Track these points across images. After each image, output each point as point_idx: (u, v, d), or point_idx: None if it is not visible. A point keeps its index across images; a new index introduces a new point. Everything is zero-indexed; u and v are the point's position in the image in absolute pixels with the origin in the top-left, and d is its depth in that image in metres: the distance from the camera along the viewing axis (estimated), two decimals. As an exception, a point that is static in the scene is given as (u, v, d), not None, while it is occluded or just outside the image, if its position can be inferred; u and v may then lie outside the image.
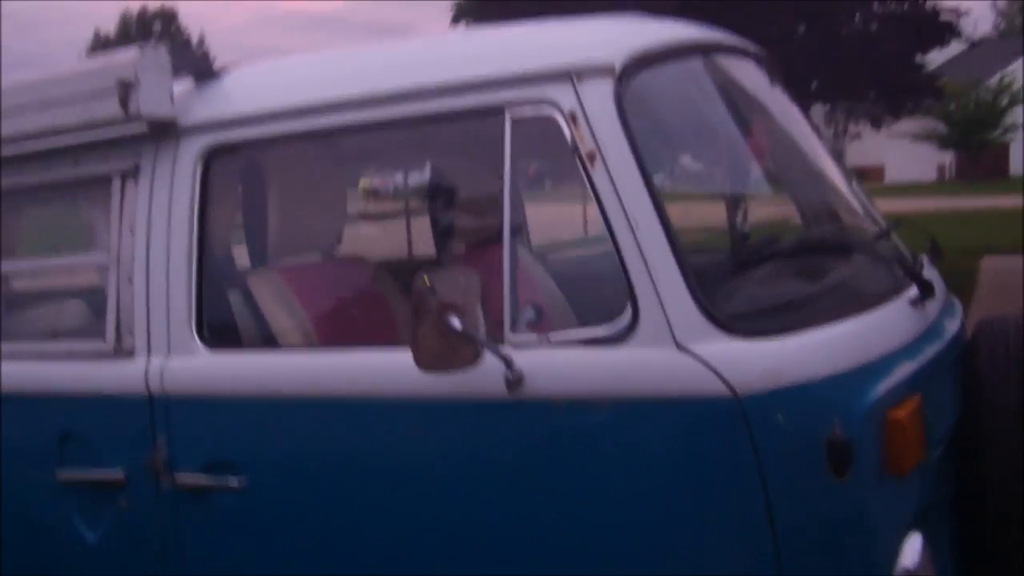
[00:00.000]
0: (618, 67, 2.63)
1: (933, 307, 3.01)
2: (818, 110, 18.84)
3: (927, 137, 34.34)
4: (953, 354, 3.02)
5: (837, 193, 3.54)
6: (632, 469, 2.51)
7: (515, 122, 2.67)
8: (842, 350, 2.53)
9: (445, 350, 2.48)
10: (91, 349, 3.23)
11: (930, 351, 2.83)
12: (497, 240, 4.21)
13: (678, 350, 2.46)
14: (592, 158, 2.57)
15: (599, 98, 2.60)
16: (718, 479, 2.45)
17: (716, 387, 2.42)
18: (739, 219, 3.70)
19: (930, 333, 2.91)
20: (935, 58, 17.82)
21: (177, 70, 3.15)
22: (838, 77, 14.75)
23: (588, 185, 2.57)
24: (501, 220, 2.67)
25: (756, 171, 3.41)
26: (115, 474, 3.16)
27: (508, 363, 2.53)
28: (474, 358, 2.52)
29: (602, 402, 2.51)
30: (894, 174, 47.60)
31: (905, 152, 44.36)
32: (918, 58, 15.72)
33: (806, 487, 2.43)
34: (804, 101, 16.79)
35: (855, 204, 3.52)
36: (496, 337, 2.60)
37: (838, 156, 3.74)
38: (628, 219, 2.52)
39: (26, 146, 3.36)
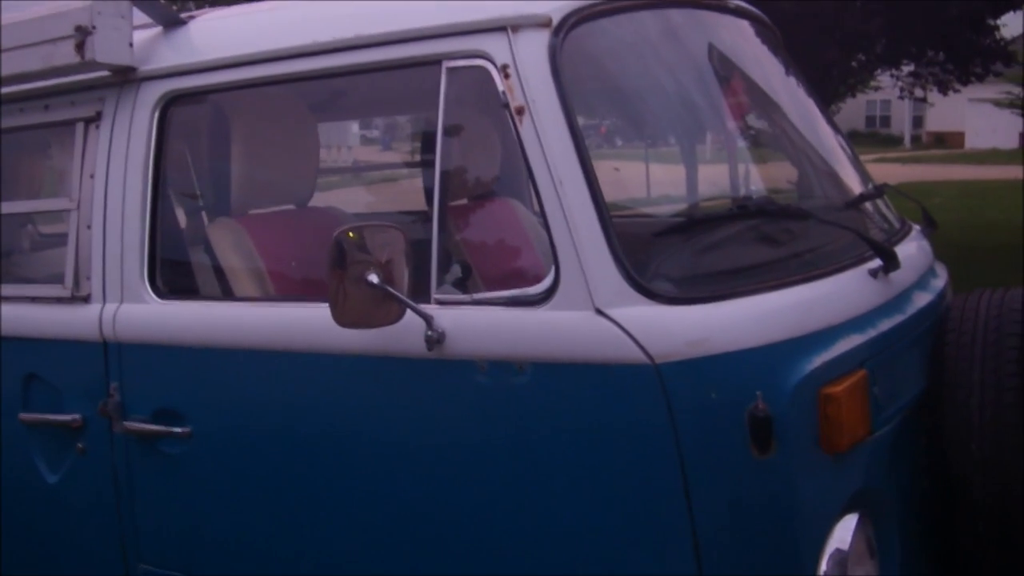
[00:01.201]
0: (556, 19, 2.55)
1: (903, 278, 2.91)
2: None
3: (1010, 104, 33.47)
4: (921, 328, 2.92)
5: (820, 160, 3.44)
6: (548, 435, 2.46)
7: (450, 73, 2.61)
8: (775, 320, 2.45)
9: (365, 306, 2.45)
10: (52, 294, 3.25)
11: (885, 324, 2.73)
12: (490, 195, 4.21)
13: (596, 313, 2.39)
14: (521, 112, 2.51)
15: (532, 51, 2.53)
16: (633, 450, 2.38)
17: (633, 353, 2.35)
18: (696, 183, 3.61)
19: (890, 306, 2.81)
20: (1014, 23, 17.34)
21: (144, 18, 3.13)
22: (903, 39, 14.39)
23: (516, 140, 2.51)
24: (434, 172, 2.62)
25: (723, 131, 3.31)
26: (73, 418, 3.18)
27: (429, 321, 2.49)
28: (396, 315, 2.49)
29: (522, 364, 2.46)
30: (974, 140, 46.62)
31: (987, 119, 43.34)
32: (990, 21, 15.25)
33: (726, 463, 2.35)
34: (871, 65, 16.50)
35: (842, 171, 3.42)
36: (424, 295, 2.56)
37: (834, 124, 3.64)
38: (552, 177, 2.46)
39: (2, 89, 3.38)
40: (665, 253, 2.58)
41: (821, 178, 3.43)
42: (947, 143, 47.56)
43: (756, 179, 3.42)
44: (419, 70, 2.71)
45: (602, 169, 2.50)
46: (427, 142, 4.03)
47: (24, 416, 3.31)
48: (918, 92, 18.09)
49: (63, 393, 3.23)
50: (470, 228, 3.61)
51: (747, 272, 2.60)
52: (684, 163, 3.49)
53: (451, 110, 2.62)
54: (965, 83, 16.37)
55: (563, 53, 2.53)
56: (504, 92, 2.53)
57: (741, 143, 3.42)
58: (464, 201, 4.12)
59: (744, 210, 2.83)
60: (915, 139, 51.40)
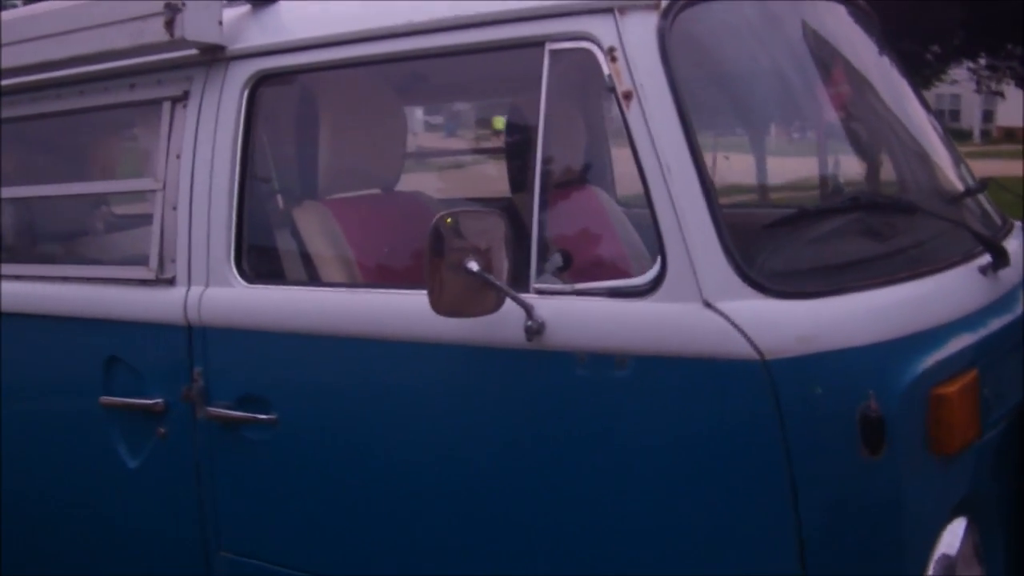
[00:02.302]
0: (664, 1, 2.46)
1: (1010, 276, 2.80)
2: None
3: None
4: None
5: (921, 151, 3.33)
6: (650, 429, 2.38)
7: (554, 56, 2.53)
8: (888, 317, 2.36)
9: (464, 294, 2.38)
10: (136, 275, 3.21)
11: (995, 323, 2.63)
12: (579, 182, 4.14)
13: (704, 306, 2.31)
14: (628, 97, 2.42)
15: (640, 34, 2.44)
16: (740, 447, 2.30)
17: (742, 348, 2.26)
18: (824, 176, 3.51)
19: (999, 305, 2.70)
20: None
21: None
22: (982, 31, 14.14)
23: (624, 126, 2.43)
24: (534, 159, 2.55)
25: (826, 121, 3.21)
26: (155, 402, 3.15)
27: (528, 311, 2.42)
28: (494, 304, 2.42)
29: (624, 357, 2.38)
30: (1047, 136, 45.84)
31: (1058, 114, 42.63)
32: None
33: (835, 462, 2.27)
34: (947, 56, 16.25)
35: (943, 163, 3.31)
36: (522, 284, 2.49)
37: (934, 114, 3.52)
38: (661, 165, 2.37)
39: (84, 69, 3.34)
40: (774, 246, 2.48)
41: (924, 172, 3.32)
42: (1018, 138, 46.78)
43: (858, 171, 3.31)
44: (520, 52, 2.64)
45: (711, 158, 2.41)
46: (519, 127, 3.97)
47: (105, 399, 3.27)
48: (994, 86, 17.82)
49: (145, 377, 3.19)
50: (557, 216, 3.54)
51: (856, 267, 2.50)
52: (789, 153, 3.39)
53: (553, 94, 2.53)
54: (1044, 77, 16.11)
55: (672, 36, 2.44)
56: (610, 76, 2.45)
57: (843, 133, 3.31)
58: (550, 188, 4.06)
59: (853, 203, 2.73)
60: (984, 133, 50.66)
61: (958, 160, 3.37)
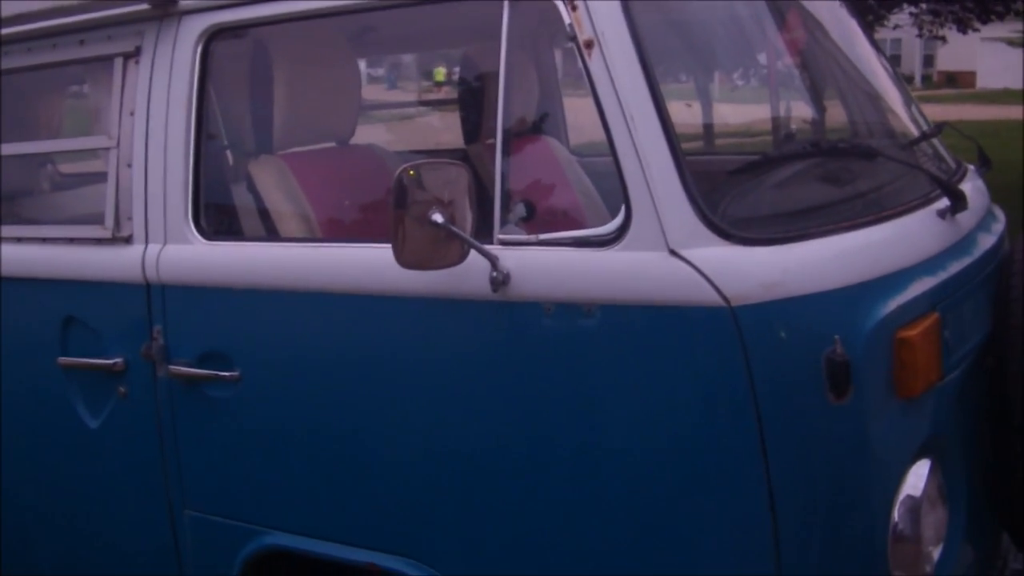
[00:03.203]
0: None
1: (967, 220, 2.83)
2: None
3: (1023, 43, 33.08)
4: (985, 271, 2.85)
5: (876, 97, 3.36)
6: (618, 377, 2.39)
7: (513, 6, 2.51)
8: (851, 262, 2.38)
9: (428, 246, 2.37)
10: (92, 234, 3.17)
11: (955, 267, 2.66)
12: (531, 132, 4.12)
13: (670, 255, 2.31)
14: (590, 46, 2.41)
15: None
16: (707, 393, 2.32)
17: (708, 295, 2.27)
18: (779, 122, 3.52)
19: (958, 247, 2.74)
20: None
21: None
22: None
23: (585, 75, 2.42)
24: (495, 111, 2.53)
25: (783, 67, 3.22)
26: (115, 361, 3.12)
27: (494, 262, 2.42)
28: (459, 256, 2.41)
29: (590, 306, 2.39)
30: (987, 80, 46.24)
31: (999, 58, 42.93)
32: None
33: (802, 407, 2.29)
34: (888, 1, 16.29)
35: (898, 109, 3.33)
36: (486, 235, 2.48)
37: (888, 61, 3.54)
38: (624, 114, 2.36)
39: (30, 26, 3.28)
40: (737, 192, 2.49)
41: (880, 116, 3.34)
42: (958, 83, 47.22)
43: (815, 117, 3.33)
44: (478, 3, 2.62)
45: (672, 107, 2.41)
46: (473, 77, 3.95)
47: (63, 360, 3.24)
48: (936, 31, 17.92)
49: (103, 336, 3.16)
50: (514, 167, 3.54)
51: (818, 212, 2.53)
52: (747, 99, 3.40)
53: (512, 44, 2.52)
54: (985, 21, 16.18)
55: None
56: (571, 25, 2.43)
57: (800, 79, 3.33)
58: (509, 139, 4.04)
59: (814, 148, 2.74)
60: (925, 78, 51.04)
61: (912, 104, 3.40)
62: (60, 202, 4.45)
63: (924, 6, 16.81)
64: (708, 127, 4.06)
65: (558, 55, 4.60)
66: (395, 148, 4.33)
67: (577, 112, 4.72)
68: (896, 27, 19.47)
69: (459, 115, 4.21)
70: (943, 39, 19.37)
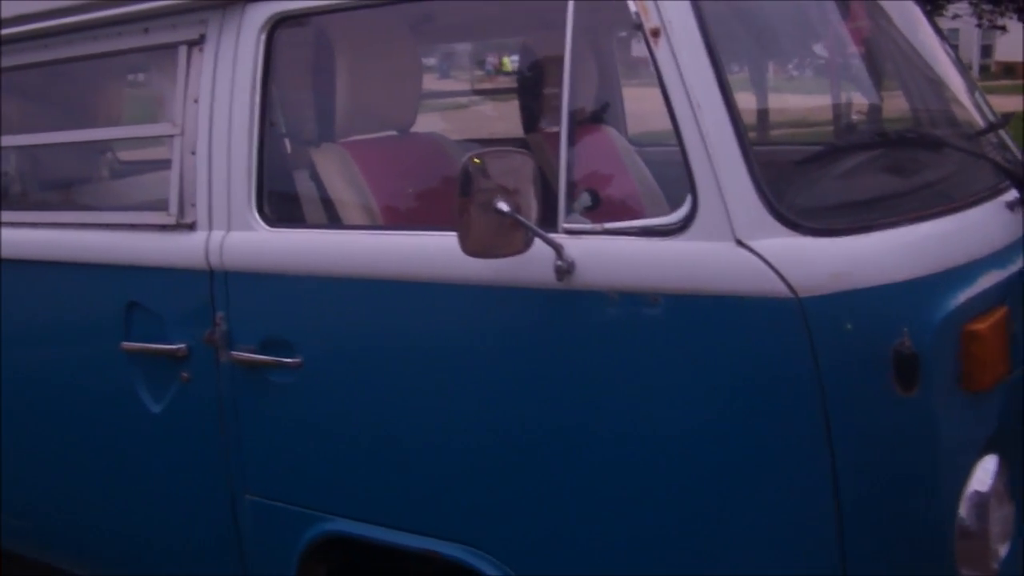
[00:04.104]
0: None
1: None
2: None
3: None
4: None
5: (941, 86, 3.32)
6: (683, 366, 2.38)
7: None
8: (921, 253, 2.35)
9: (493, 234, 2.37)
10: (156, 220, 3.20)
11: (1022, 260, 2.62)
12: (591, 122, 4.11)
13: (737, 244, 2.30)
14: (656, 35, 2.39)
15: None
16: (773, 384, 2.31)
17: (775, 286, 2.25)
18: (839, 112, 3.49)
19: None
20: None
21: None
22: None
23: (651, 64, 2.41)
24: (561, 100, 2.52)
25: (853, 60, 3.19)
26: (178, 346, 3.14)
27: (558, 250, 2.41)
28: (523, 244, 2.41)
29: (655, 296, 2.37)
30: (1046, 71, 45.57)
31: (1058, 48, 42.34)
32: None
33: (869, 399, 2.27)
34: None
35: (963, 99, 3.29)
36: (550, 223, 2.48)
37: (953, 50, 3.49)
38: (691, 103, 2.34)
39: (101, 13, 3.31)
40: (804, 182, 2.48)
41: (947, 107, 3.30)
42: (1017, 73, 46.54)
43: (882, 106, 3.29)
44: None
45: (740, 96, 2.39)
46: (534, 66, 3.94)
47: (126, 345, 3.27)
48: (997, 20, 17.71)
49: (166, 322, 3.19)
50: (575, 156, 3.55)
51: (886, 203, 2.50)
52: (811, 89, 3.37)
53: (577, 33, 2.51)
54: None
55: None
56: (637, 13, 2.42)
57: (864, 68, 3.29)
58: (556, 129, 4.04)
59: (882, 138, 2.71)
60: (983, 69, 50.37)
61: (977, 94, 3.35)
62: (120, 189, 4.50)
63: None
64: (765, 115, 4.03)
65: (618, 42, 4.59)
66: (451, 136, 4.35)
67: (636, 101, 4.71)
68: (955, 16, 19.27)
69: (518, 104, 4.20)
70: (1003, 28, 19.14)
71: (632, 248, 2.42)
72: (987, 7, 17.14)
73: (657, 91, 2.42)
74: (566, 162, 2.49)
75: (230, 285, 3.02)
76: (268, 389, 2.98)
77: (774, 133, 4.02)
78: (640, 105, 4.74)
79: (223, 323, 3.02)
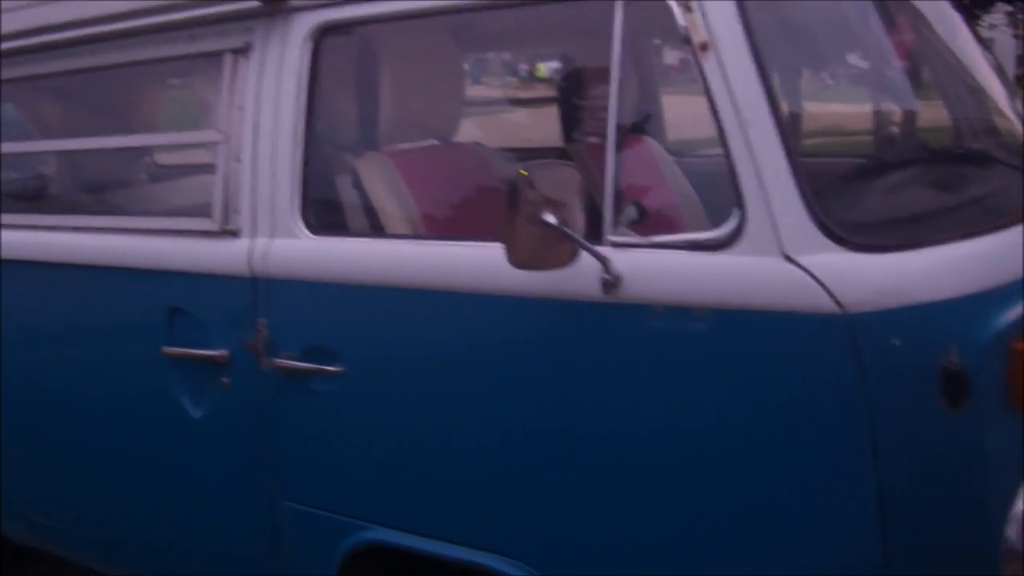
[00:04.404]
0: None
1: None
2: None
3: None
4: None
5: (990, 102, 3.29)
6: (729, 381, 2.37)
7: (627, 6, 2.50)
8: (968, 271, 2.34)
9: (539, 247, 2.37)
10: (199, 227, 3.21)
11: None
12: (632, 132, 4.10)
13: (784, 260, 2.29)
14: (705, 48, 2.39)
15: None
16: (819, 400, 2.29)
17: (823, 302, 2.24)
18: (881, 125, 3.47)
19: None
20: None
21: None
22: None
23: (700, 77, 2.40)
24: (608, 111, 2.52)
25: (900, 73, 3.17)
26: (219, 352, 3.16)
27: (605, 264, 2.41)
28: (570, 256, 2.41)
29: (702, 310, 2.37)
30: (1081, 81, 45.25)
31: (1095, 59, 42.00)
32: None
33: (916, 417, 2.25)
34: (983, 1, 16.00)
35: (1011, 115, 3.27)
36: (595, 236, 2.48)
37: (998, 65, 3.47)
38: (739, 117, 2.34)
39: (147, 20, 3.32)
40: (853, 197, 2.47)
41: (991, 121, 3.28)
42: (1052, 84, 46.31)
43: (927, 120, 3.28)
44: (592, 3, 2.61)
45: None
46: (575, 75, 3.93)
47: (168, 349, 3.28)
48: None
49: (209, 328, 3.20)
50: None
51: (933, 218, 2.50)
52: (857, 100, 3.35)
53: (627, 44, 2.51)
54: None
55: None
56: (685, 27, 2.42)
57: (909, 81, 3.28)
58: (597, 139, 4.03)
59: (930, 153, 2.70)
60: (1019, 79, 50.03)
61: (1021, 106, 3.33)
62: (158, 193, 4.52)
63: (1021, 4, 16.49)
64: (800, 123, 4.02)
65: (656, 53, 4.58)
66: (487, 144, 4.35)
67: (675, 111, 4.70)
68: (992, 27, 19.13)
69: (558, 113, 4.19)
70: (1041, 39, 19.01)
71: (679, 262, 2.42)
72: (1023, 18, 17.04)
73: (690, 99, 2.41)
74: (612, 174, 2.48)
75: (273, 292, 3.03)
76: (309, 396, 2.99)
77: (811, 143, 4.00)
78: (676, 114, 4.73)
79: (265, 330, 3.03)
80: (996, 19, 18.47)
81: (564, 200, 2.37)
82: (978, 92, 3.33)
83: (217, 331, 3.18)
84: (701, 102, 2.40)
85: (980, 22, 17.93)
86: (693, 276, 2.40)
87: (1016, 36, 19.13)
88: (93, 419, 3.61)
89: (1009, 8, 16.85)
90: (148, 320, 3.33)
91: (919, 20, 3.23)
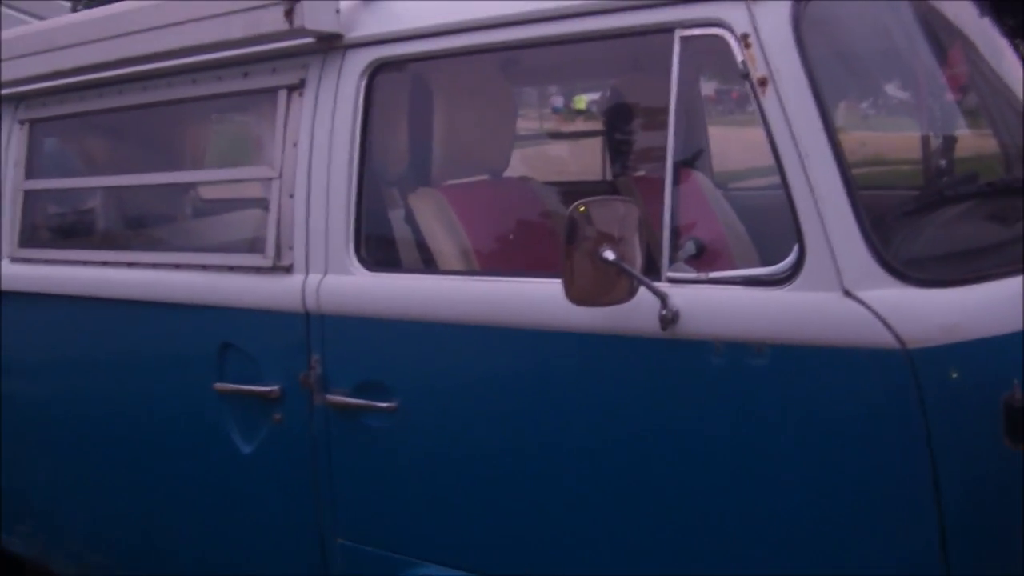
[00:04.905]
0: None
1: None
2: None
3: None
4: None
5: None
6: (789, 418, 2.36)
7: (684, 42, 2.50)
8: None
9: (598, 283, 2.37)
10: (252, 263, 3.23)
11: None
12: (683, 166, 4.10)
13: (844, 295, 2.28)
14: (764, 84, 2.39)
15: (774, 20, 2.41)
16: (881, 437, 2.28)
17: (884, 337, 2.23)
18: (932, 156, 3.45)
19: None
20: None
21: None
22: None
23: (759, 112, 2.40)
24: (666, 145, 2.52)
25: (952, 104, 3.16)
26: (271, 388, 3.16)
27: (663, 300, 2.41)
28: (628, 292, 2.41)
29: (761, 346, 2.36)
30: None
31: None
32: None
33: (978, 452, 2.24)
34: (1022, 28, 15.92)
35: None
36: (653, 271, 2.47)
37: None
38: (799, 152, 2.33)
39: (199, 57, 3.35)
40: (912, 231, 2.46)
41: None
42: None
43: (977, 150, 3.26)
44: (646, 38, 2.61)
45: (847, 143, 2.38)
46: (625, 109, 3.94)
47: (219, 386, 3.29)
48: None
49: (260, 363, 3.21)
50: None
51: (992, 253, 2.49)
52: (929, 135, 3.33)
53: (685, 79, 2.51)
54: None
55: (805, 21, 2.41)
56: (744, 62, 2.42)
57: (962, 114, 3.27)
58: (643, 173, 4.04)
59: (988, 187, 2.68)
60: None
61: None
62: (204, 228, 4.55)
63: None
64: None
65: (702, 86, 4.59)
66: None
67: (719, 143, 4.70)
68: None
69: (606, 146, 4.21)
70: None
71: (738, 297, 2.41)
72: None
73: (735, 131, 2.41)
74: (670, 209, 2.48)
75: (326, 328, 3.03)
76: (362, 432, 2.99)
77: (858, 172, 3.98)
78: (726, 147, 4.74)
79: (318, 366, 3.04)
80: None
81: (622, 235, 2.37)
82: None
83: (269, 367, 3.18)
84: (742, 134, 2.39)
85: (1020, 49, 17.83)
86: (752, 312, 2.39)
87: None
88: (144, 455, 3.62)
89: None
90: (199, 356, 3.35)
91: (968, 46, 3.22)
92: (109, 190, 4.12)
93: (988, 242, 2.54)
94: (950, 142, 3.25)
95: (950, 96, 3.17)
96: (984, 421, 2.23)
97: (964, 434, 2.24)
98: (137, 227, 4.38)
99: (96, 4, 4.05)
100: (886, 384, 2.26)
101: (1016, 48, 3.43)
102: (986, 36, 3.29)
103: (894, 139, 3.64)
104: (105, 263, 3.71)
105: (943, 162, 3.26)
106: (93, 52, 3.55)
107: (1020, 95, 3.28)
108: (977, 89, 3.24)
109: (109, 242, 4.11)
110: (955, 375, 2.22)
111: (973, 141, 3.32)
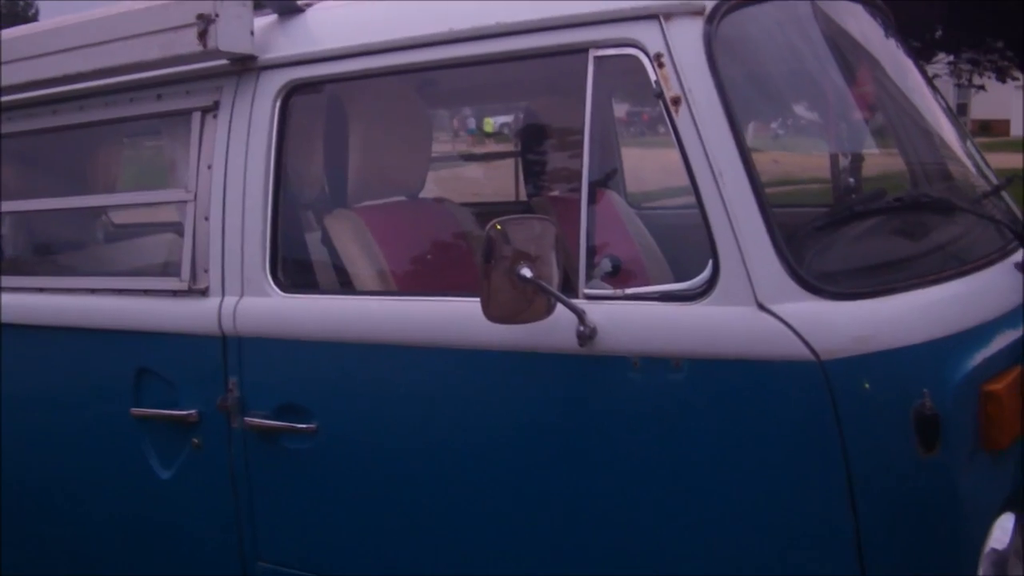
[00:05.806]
0: (708, 7, 2.47)
1: None
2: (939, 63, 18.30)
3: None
4: None
5: (946, 149, 3.36)
6: (706, 431, 2.39)
7: (599, 62, 2.53)
8: (937, 316, 2.38)
9: (516, 301, 2.38)
10: (167, 286, 3.20)
11: None
12: (596, 186, 4.14)
13: (759, 309, 2.32)
14: (677, 103, 2.43)
15: (687, 40, 2.45)
16: (796, 448, 2.32)
17: (798, 350, 2.28)
18: (841, 174, 3.53)
19: None
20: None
21: (261, 6, 3.08)
22: (963, 26, 14.22)
23: (672, 131, 2.44)
24: (581, 165, 2.55)
25: (860, 123, 3.23)
26: (189, 413, 3.13)
27: (581, 316, 2.43)
28: (546, 310, 2.42)
29: (678, 361, 2.39)
30: (1021, 128, 46.00)
31: (1034, 105, 42.77)
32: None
33: (891, 461, 2.29)
34: (927, 51, 16.32)
35: (966, 161, 3.33)
36: (570, 289, 2.49)
37: (951, 111, 3.54)
38: (712, 170, 2.37)
39: (111, 80, 3.32)
40: (824, 246, 2.50)
41: (950, 169, 3.34)
42: (992, 131, 46.96)
43: (887, 169, 3.34)
44: (560, 58, 2.64)
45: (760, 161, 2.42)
46: (538, 130, 3.97)
47: (136, 411, 3.25)
48: (976, 79, 17.94)
49: (177, 387, 3.18)
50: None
51: (902, 266, 2.54)
52: (829, 153, 3.40)
53: (599, 100, 2.54)
54: (1024, 70, 16.19)
55: (717, 41, 2.46)
56: (658, 82, 2.45)
57: (870, 132, 3.34)
58: (558, 192, 4.07)
59: (898, 202, 2.74)
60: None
61: (979, 157, 3.40)
62: (118, 253, 4.49)
63: (962, 55, 16.85)
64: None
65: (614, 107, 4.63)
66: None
67: (633, 162, 4.76)
68: (934, 77, 19.49)
69: (521, 167, 4.23)
70: (982, 88, 19.36)
71: (654, 313, 2.44)
72: (966, 67, 17.37)
73: (647, 152, 2.45)
74: (586, 227, 2.50)
75: (243, 351, 3.01)
76: (282, 455, 2.97)
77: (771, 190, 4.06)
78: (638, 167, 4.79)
79: (236, 389, 3.01)
80: (937, 69, 18.83)
81: (539, 254, 2.39)
82: (938, 142, 3.39)
83: (187, 391, 3.15)
84: (653, 155, 2.42)
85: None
86: (669, 327, 2.42)
87: (958, 85, 19.52)
88: (63, 481, 3.56)
89: (951, 59, 17.16)
90: (115, 381, 3.30)
91: (876, 68, 3.29)
92: (19, 215, 4.06)
93: (897, 256, 2.60)
94: (858, 160, 3.32)
95: (858, 115, 3.23)
96: (897, 430, 2.27)
97: (878, 443, 2.29)
98: (48, 253, 4.31)
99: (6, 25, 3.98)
100: (801, 395, 2.30)
101: (921, 68, 3.52)
102: (893, 56, 3.37)
103: (804, 158, 3.71)
104: (17, 289, 3.65)
105: (852, 179, 3.33)
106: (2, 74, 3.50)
107: (925, 114, 3.37)
108: (884, 108, 3.31)
109: (18, 268, 4.04)
110: (867, 385, 2.27)
111: (880, 159, 3.39)
